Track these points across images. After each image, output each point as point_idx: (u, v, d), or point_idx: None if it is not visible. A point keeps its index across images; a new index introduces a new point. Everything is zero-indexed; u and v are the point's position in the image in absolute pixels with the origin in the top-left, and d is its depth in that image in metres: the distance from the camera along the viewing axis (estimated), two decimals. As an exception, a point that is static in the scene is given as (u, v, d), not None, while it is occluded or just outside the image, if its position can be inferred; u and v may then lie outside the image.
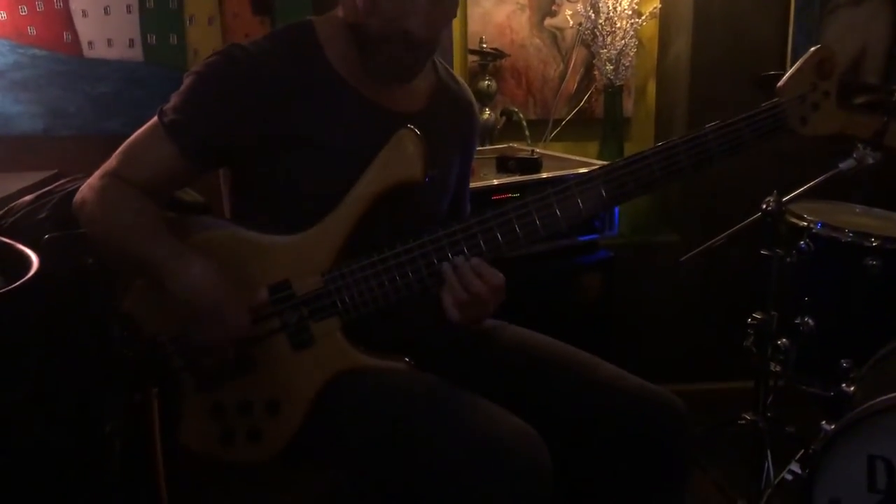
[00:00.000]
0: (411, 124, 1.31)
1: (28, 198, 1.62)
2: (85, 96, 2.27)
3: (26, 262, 1.35)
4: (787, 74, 1.36)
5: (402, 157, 1.30)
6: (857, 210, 2.22)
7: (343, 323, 1.31)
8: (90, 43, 2.25)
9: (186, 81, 1.32)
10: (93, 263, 1.46)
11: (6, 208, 1.60)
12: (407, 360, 1.33)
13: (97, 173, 1.34)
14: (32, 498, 1.48)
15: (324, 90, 1.32)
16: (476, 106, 1.56)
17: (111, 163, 1.33)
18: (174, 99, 1.32)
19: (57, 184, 1.66)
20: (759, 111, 1.33)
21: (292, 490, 1.81)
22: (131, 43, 2.27)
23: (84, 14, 2.23)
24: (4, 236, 1.53)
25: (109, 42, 2.26)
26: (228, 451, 1.33)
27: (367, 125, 1.32)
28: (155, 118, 1.32)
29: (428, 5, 1.25)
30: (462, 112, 1.50)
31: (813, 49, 1.36)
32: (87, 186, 1.33)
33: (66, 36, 2.23)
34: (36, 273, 1.30)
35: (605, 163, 1.33)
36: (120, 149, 1.34)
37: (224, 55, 1.30)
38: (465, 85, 1.54)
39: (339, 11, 1.34)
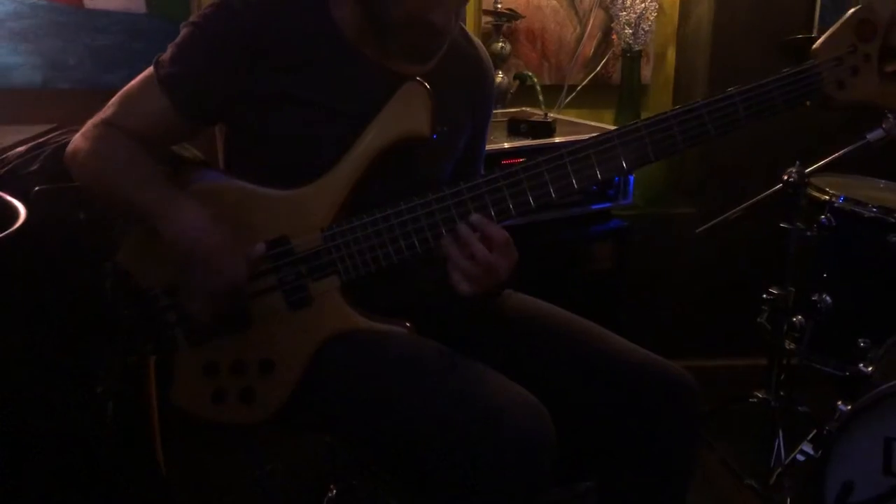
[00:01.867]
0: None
1: (21, 149, 1.57)
2: (85, 48, 2.20)
3: (13, 213, 1.30)
4: (825, 35, 1.27)
5: (409, 111, 1.24)
6: (882, 185, 2.15)
7: (342, 283, 1.25)
8: (91, -8, 2.18)
9: (183, 32, 1.26)
10: (84, 218, 1.42)
11: (-2, 159, 1.56)
12: (408, 324, 1.27)
13: (90, 122, 1.29)
14: (20, 459, 1.45)
15: (326, 48, 1.26)
16: (492, 69, 1.47)
17: (105, 111, 1.28)
18: (170, 50, 1.26)
19: (50, 136, 1.61)
20: (792, 72, 1.25)
21: (287, 450, 1.77)
22: (133, -7, 2.20)
23: (85, -38, 2.16)
24: (-5, 187, 1.49)
25: (111, -9, 2.18)
26: (220, 412, 1.28)
27: (370, 86, 1.25)
28: (151, 68, 1.26)
29: None
30: (475, 74, 1.42)
31: (854, 9, 1.27)
32: (80, 135, 1.28)
33: (68, -16, 2.16)
34: (22, 225, 1.26)
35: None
36: (115, 97, 1.29)
37: (221, 6, 1.24)
38: (482, 47, 1.45)
39: None
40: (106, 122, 1.27)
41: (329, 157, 1.24)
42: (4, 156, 1.54)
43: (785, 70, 1.25)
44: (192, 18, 1.26)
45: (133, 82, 1.28)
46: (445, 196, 1.22)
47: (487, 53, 1.47)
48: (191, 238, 1.19)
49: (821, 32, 1.28)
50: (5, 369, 1.38)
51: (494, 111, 2.42)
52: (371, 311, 1.28)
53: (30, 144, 1.55)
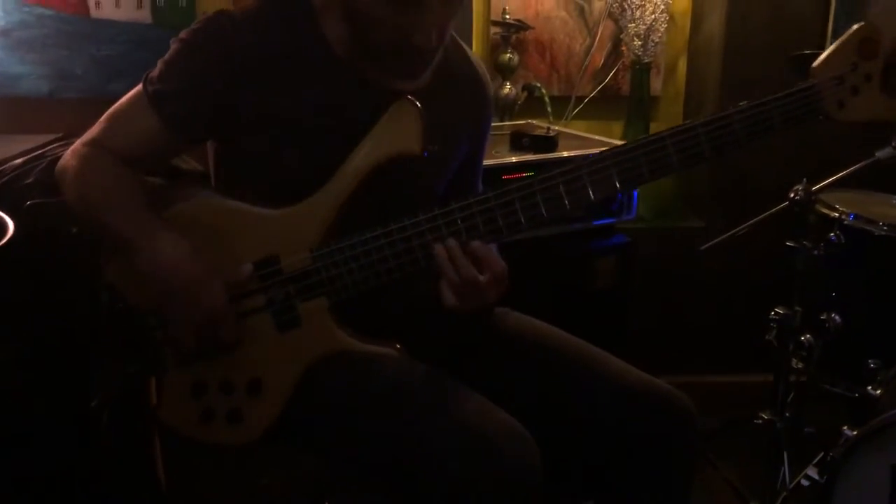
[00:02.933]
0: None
1: (18, 161, 1.57)
2: (91, 58, 2.20)
3: (2, 228, 1.30)
4: (824, 53, 1.24)
5: (399, 129, 1.22)
6: (894, 201, 2.09)
7: (331, 303, 1.24)
8: (97, 2, 2.17)
9: (172, 49, 1.25)
10: (77, 232, 1.41)
11: (-5, 171, 1.56)
12: (398, 346, 1.25)
13: (80, 140, 1.28)
14: (12, 476, 1.44)
15: (316, 65, 1.24)
16: (489, 87, 1.44)
17: (94, 130, 1.28)
18: (159, 66, 1.25)
19: (47, 148, 1.61)
20: (790, 92, 1.22)
21: (282, 463, 1.75)
22: (139, 3, 2.19)
23: (92, -28, 2.16)
24: (-9, 200, 1.49)
25: (117, 2, 2.18)
26: (208, 432, 1.27)
27: (362, 105, 1.23)
28: (140, 86, 1.25)
29: (437, 17, 1.15)
30: (471, 91, 1.39)
31: (855, 26, 1.24)
32: (70, 154, 1.28)
33: (74, -6, 2.17)
34: (10, 240, 1.25)
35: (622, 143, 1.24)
36: (104, 115, 1.29)
37: (208, 22, 1.22)
38: (480, 63, 1.43)
39: None
40: (94, 142, 1.26)
41: (319, 175, 1.23)
42: (2, 168, 1.54)
43: (785, 90, 1.22)
44: (181, 34, 1.25)
45: (122, 100, 1.27)
46: (436, 216, 1.20)
47: (485, 71, 1.44)
48: (166, 271, 1.18)
49: (834, 47, 1.26)
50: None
51: (499, 123, 2.42)
52: (361, 331, 1.27)
53: (26, 157, 1.55)
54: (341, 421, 1.20)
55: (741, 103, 1.21)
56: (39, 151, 1.56)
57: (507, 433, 1.10)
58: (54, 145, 1.65)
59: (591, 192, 1.20)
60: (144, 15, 2.20)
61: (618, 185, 1.21)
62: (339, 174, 1.22)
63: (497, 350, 1.36)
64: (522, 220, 1.20)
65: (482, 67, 1.43)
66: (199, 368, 1.26)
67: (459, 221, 1.19)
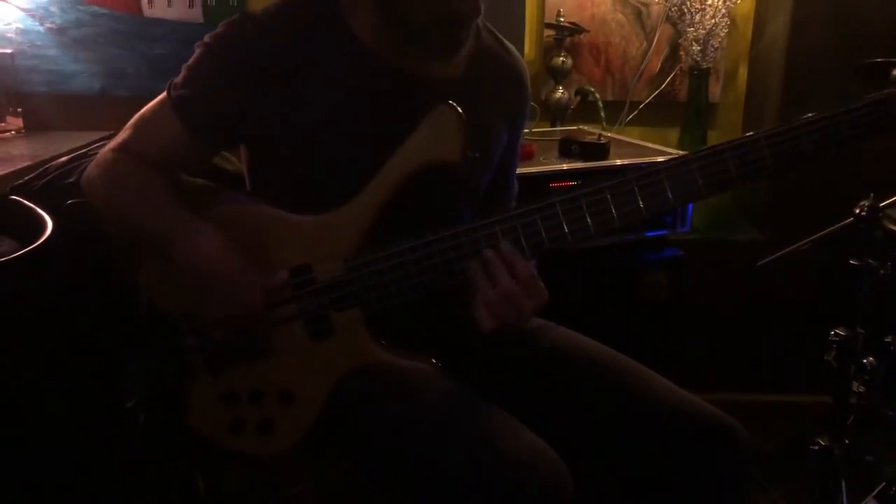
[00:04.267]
0: (448, 91, 1.17)
1: (63, 159, 1.57)
2: (142, 56, 2.22)
3: (42, 226, 1.29)
4: None
5: (439, 136, 1.17)
6: (968, 219, 1.97)
7: (366, 315, 1.20)
8: (150, 1, 2.19)
9: (195, 53, 1.22)
10: (115, 232, 1.40)
11: (42, 169, 1.56)
12: (434, 361, 1.21)
13: (106, 147, 1.26)
14: (46, 472, 1.44)
15: (346, 63, 1.20)
16: (526, 74, 1.40)
17: (121, 136, 1.26)
18: (183, 72, 1.22)
19: (92, 146, 1.60)
20: (866, 103, 1.12)
21: (317, 470, 1.72)
22: (191, 3, 2.20)
23: (144, -29, 2.18)
24: (34, 198, 1.49)
25: (169, 1, 2.19)
26: (237, 441, 1.24)
27: (398, 99, 1.19)
28: (164, 92, 1.23)
29: None
30: (509, 80, 1.35)
31: None
32: (95, 163, 1.26)
33: (127, -6, 2.18)
34: (47, 239, 1.25)
35: (678, 152, 1.17)
36: (131, 121, 1.27)
37: (231, 26, 1.19)
38: (516, 52, 1.39)
39: None
40: (119, 149, 1.24)
41: (352, 181, 1.19)
42: (47, 166, 1.54)
43: (859, 101, 1.14)
44: (205, 38, 1.22)
45: (147, 106, 1.25)
46: (476, 228, 1.15)
47: (520, 56, 1.40)
48: (204, 265, 1.15)
49: (905, 56, 1.17)
50: (34, 382, 1.37)
51: (550, 128, 2.36)
52: (396, 343, 1.23)
53: (71, 155, 1.54)
54: (370, 437, 1.17)
55: (809, 115, 1.14)
56: (84, 150, 1.55)
57: (538, 460, 1.05)
58: (100, 143, 1.64)
59: (642, 206, 1.14)
60: (196, 14, 2.21)
61: (671, 199, 1.15)
62: (375, 182, 1.18)
63: (535, 367, 1.30)
64: (567, 233, 1.14)
65: (518, 55, 1.39)
66: (230, 377, 1.23)
67: (500, 234, 1.14)
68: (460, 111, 1.16)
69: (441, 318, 1.26)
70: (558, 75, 2.44)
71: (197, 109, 1.20)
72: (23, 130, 2.14)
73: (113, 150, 1.25)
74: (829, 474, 1.82)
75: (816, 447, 1.85)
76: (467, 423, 1.10)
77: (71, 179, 1.49)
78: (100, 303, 1.40)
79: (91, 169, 1.25)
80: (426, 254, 1.16)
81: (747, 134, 1.13)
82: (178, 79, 1.22)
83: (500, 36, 1.37)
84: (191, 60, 1.22)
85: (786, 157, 1.12)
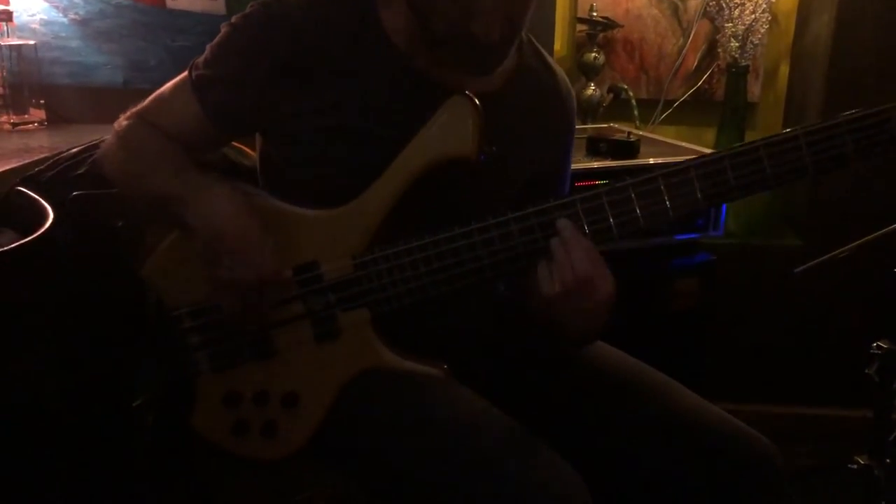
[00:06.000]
0: (480, 103, 1.09)
1: (74, 150, 1.53)
2: (165, 49, 2.19)
3: (43, 218, 1.26)
4: None
5: (452, 129, 1.10)
6: None
7: (374, 315, 1.14)
8: (173, -8, 2.16)
9: (221, 33, 1.17)
10: (122, 226, 1.36)
11: (53, 159, 1.53)
12: (445, 367, 1.15)
13: (122, 117, 1.23)
14: (50, 470, 1.40)
15: (374, 62, 1.14)
16: (571, 100, 1.31)
17: (142, 105, 1.23)
18: (207, 52, 1.18)
19: (103, 138, 1.57)
20: None
21: (324, 477, 1.67)
22: (215, -6, 2.17)
23: (168, -38, 2.14)
24: (42, 189, 1.46)
25: (193, -7, 2.16)
26: (241, 445, 1.19)
27: (420, 100, 1.12)
28: (186, 71, 1.19)
29: (499, 3, 1.03)
30: (548, 102, 1.27)
31: None
32: (112, 129, 1.23)
33: (151, -15, 2.15)
34: (45, 232, 1.21)
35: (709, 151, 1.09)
36: (151, 96, 1.24)
37: (260, 8, 1.14)
38: (561, 74, 1.30)
39: None
40: (137, 115, 1.21)
41: (370, 176, 1.13)
42: (58, 157, 1.51)
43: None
44: (233, 18, 1.17)
45: (169, 83, 1.22)
46: (489, 227, 1.09)
47: (568, 83, 1.32)
48: (219, 224, 1.09)
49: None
50: (37, 379, 1.34)
51: (581, 126, 2.28)
52: (406, 346, 1.17)
53: (83, 146, 1.51)
54: (375, 446, 1.11)
55: (852, 111, 1.05)
56: (97, 140, 1.52)
57: (555, 480, 0.98)
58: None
59: (668, 206, 1.06)
60: (219, 6, 2.17)
61: (700, 198, 1.07)
62: (386, 176, 1.12)
63: (557, 377, 1.23)
64: (588, 232, 1.07)
65: (565, 79, 1.31)
66: (234, 377, 1.19)
67: (516, 235, 1.08)
68: (476, 101, 1.09)
69: (455, 323, 1.20)
70: (590, 72, 2.37)
71: (216, 91, 1.16)
72: (45, 122, 2.12)
73: (128, 117, 1.22)
74: (869, 495, 1.73)
75: (856, 466, 1.76)
76: (478, 437, 1.04)
77: (81, 171, 1.46)
78: (104, 299, 1.36)
79: (107, 140, 1.23)
80: (437, 253, 1.10)
81: (785, 131, 1.06)
82: (201, 58, 1.18)
83: (546, 55, 1.29)
84: (216, 39, 1.18)
85: (825, 159, 1.03)
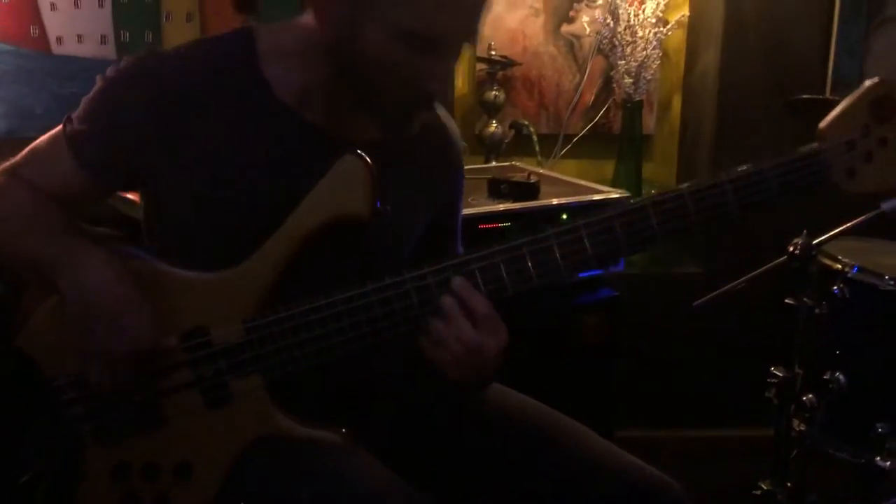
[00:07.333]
0: (365, 154, 1.08)
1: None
2: (52, 96, 2.11)
3: None
4: (833, 113, 1.07)
5: (345, 188, 1.09)
6: (904, 250, 1.96)
7: (267, 381, 1.11)
8: (59, 38, 2.08)
9: (95, 87, 1.14)
10: (4, 289, 1.28)
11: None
12: (343, 430, 1.12)
13: None
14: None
15: (255, 111, 1.12)
16: (459, 142, 1.31)
17: (15, 160, 1.18)
18: (82, 105, 1.14)
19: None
20: (793, 159, 1.06)
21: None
22: (103, 39, 2.10)
23: (52, 7, 2.07)
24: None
25: (80, 38, 2.09)
26: (129, 520, 1.13)
27: (308, 157, 1.10)
28: (61, 125, 1.15)
29: (452, 62, 1.05)
30: (438, 150, 1.26)
31: (868, 83, 1.07)
32: None
33: (33, 30, 2.07)
34: None
35: (610, 189, 1.11)
36: (27, 148, 1.18)
37: (136, 63, 1.12)
38: (451, 120, 1.30)
39: (307, 20, 1.10)
40: (11, 171, 1.16)
41: (257, 235, 1.10)
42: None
43: (786, 156, 1.07)
44: (107, 72, 1.14)
45: (44, 136, 1.17)
46: (387, 286, 1.07)
47: (456, 128, 1.32)
48: (91, 292, 1.05)
49: (834, 91, 1.11)
50: None
51: (483, 165, 2.30)
52: (305, 407, 1.13)
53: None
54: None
55: (741, 167, 1.08)
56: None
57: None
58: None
59: (561, 265, 1.07)
60: (108, 51, 2.11)
61: (591, 255, 1.08)
62: (277, 237, 1.09)
63: (457, 431, 1.22)
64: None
65: (452, 124, 1.31)
66: (121, 449, 1.13)
67: (413, 294, 1.06)
68: (367, 159, 1.08)
69: (353, 386, 1.18)
70: (491, 109, 2.40)
71: (90, 146, 1.12)
72: (-77, 175, 2.01)
73: (1, 173, 1.16)
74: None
75: (759, 491, 1.80)
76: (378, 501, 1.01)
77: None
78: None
79: None
80: (333, 314, 1.08)
81: (670, 190, 1.08)
82: (76, 112, 1.14)
83: (442, 109, 1.28)
84: (90, 94, 1.14)
85: (710, 214, 1.06)
